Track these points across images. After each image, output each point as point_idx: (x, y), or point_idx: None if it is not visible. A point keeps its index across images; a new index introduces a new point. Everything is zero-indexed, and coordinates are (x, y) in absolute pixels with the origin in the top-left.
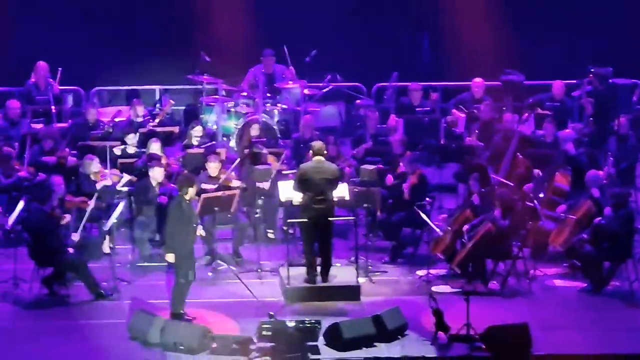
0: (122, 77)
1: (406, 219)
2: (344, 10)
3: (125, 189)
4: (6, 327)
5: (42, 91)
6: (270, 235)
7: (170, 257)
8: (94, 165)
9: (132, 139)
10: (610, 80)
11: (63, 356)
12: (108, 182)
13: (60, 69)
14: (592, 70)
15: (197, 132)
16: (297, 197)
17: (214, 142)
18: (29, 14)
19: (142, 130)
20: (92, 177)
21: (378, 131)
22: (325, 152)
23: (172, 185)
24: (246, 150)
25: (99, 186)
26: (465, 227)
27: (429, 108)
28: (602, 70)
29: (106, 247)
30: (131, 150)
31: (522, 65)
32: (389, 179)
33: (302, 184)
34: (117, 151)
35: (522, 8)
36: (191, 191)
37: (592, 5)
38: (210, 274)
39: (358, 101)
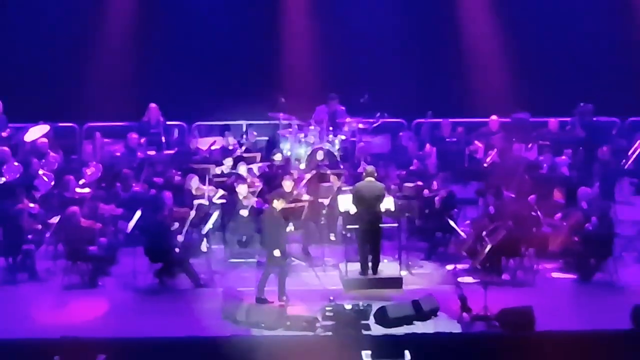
0: (216, 114)
1: (438, 225)
2: (390, 62)
3: (220, 201)
4: (128, 307)
5: (154, 125)
6: (332, 238)
7: (277, 252)
8: (194, 182)
9: (228, 162)
10: (595, 118)
11: (170, 330)
12: (205, 202)
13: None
14: (580, 108)
15: (277, 157)
16: (353, 209)
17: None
18: (145, 61)
19: (233, 156)
20: (193, 192)
21: (417, 157)
22: (375, 174)
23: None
24: (313, 172)
25: (197, 201)
26: (484, 232)
27: (455, 139)
28: (587, 107)
29: (204, 247)
30: (225, 170)
31: (528, 105)
32: (425, 194)
33: (357, 198)
34: (217, 171)
35: (528, 59)
36: (280, 203)
37: (582, 58)
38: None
39: (401, 133)
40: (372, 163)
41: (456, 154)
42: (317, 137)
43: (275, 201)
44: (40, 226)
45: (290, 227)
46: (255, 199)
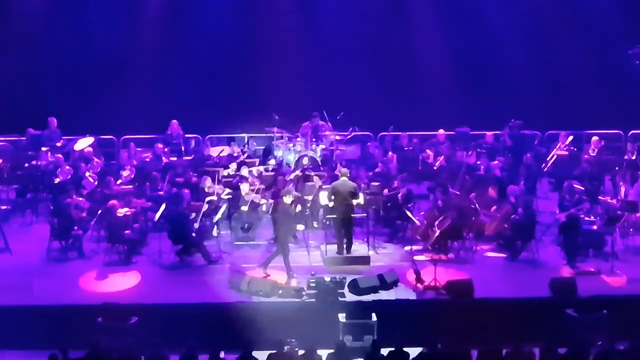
0: (224, 129)
1: (398, 215)
2: (360, 87)
3: (227, 196)
4: (155, 279)
5: (175, 137)
6: (315, 225)
7: (301, 227)
8: (207, 182)
9: (233, 166)
10: (522, 131)
11: (188, 297)
12: (215, 197)
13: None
14: (510, 123)
15: (271, 162)
16: (331, 202)
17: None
18: (168, 87)
19: (237, 161)
20: (206, 190)
21: (381, 162)
22: (348, 174)
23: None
24: (300, 174)
25: (209, 197)
26: (435, 221)
27: (412, 148)
28: (516, 123)
29: (215, 232)
30: (231, 172)
31: (468, 121)
32: (385, 193)
33: (334, 194)
34: (225, 173)
35: (469, 84)
36: (289, 198)
37: (512, 84)
38: None
39: (369, 143)
40: (346, 166)
41: (412, 160)
42: (303, 146)
43: (285, 197)
44: (85, 214)
45: (301, 226)
46: (255, 195)
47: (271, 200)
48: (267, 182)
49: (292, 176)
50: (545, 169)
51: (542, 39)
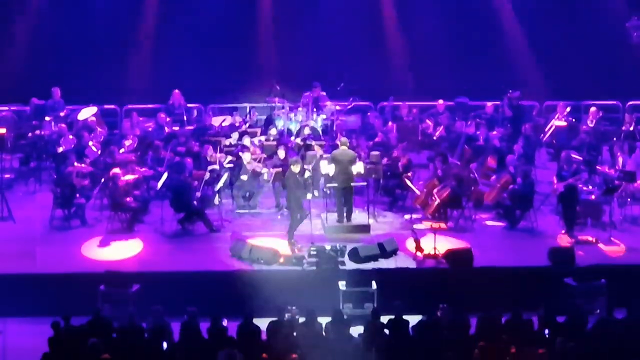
0: (226, 98)
1: (398, 184)
2: (360, 58)
3: (228, 165)
4: (157, 247)
5: (177, 107)
6: (316, 194)
7: (309, 196)
8: (209, 151)
9: (235, 135)
10: (520, 102)
11: (190, 265)
12: (217, 166)
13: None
14: (508, 93)
15: (272, 132)
16: (331, 171)
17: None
18: (171, 57)
19: (239, 131)
20: (208, 159)
21: (381, 131)
22: (348, 143)
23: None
24: (301, 143)
25: (211, 166)
26: (435, 190)
27: (411, 118)
28: (515, 93)
29: (216, 201)
30: (233, 142)
31: (468, 91)
32: (384, 162)
33: (334, 162)
34: (227, 142)
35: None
36: (297, 167)
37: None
38: (279, 217)
39: (369, 113)
40: (346, 136)
41: (412, 129)
42: (304, 116)
43: (293, 165)
44: (86, 182)
45: (309, 195)
46: (256, 164)
47: (272, 170)
48: (268, 152)
49: (293, 145)
50: (544, 139)
51: (541, 10)
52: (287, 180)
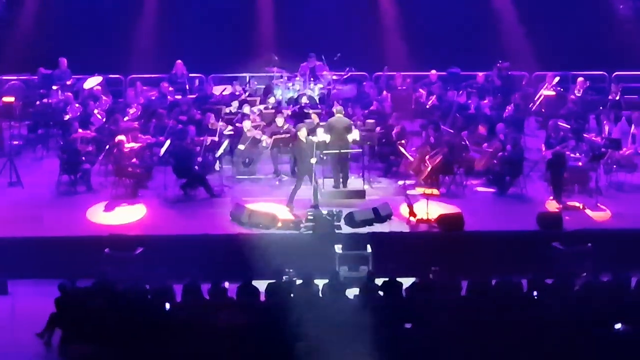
0: (227, 68)
1: (392, 151)
2: (358, 29)
3: (229, 133)
4: (160, 212)
5: (179, 76)
6: (312, 161)
7: (314, 160)
8: (211, 119)
9: (235, 104)
10: (510, 72)
11: (191, 229)
12: (216, 138)
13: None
14: (498, 64)
15: (271, 100)
16: (327, 138)
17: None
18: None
19: (239, 99)
20: (210, 126)
21: (376, 100)
22: (343, 111)
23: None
24: (299, 111)
25: (212, 133)
26: (426, 156)
27: (405, 87)
28: (504, 64)
29: (217, 167)
30: (233, 110)
31: (459, 62)
32: (379, 129)
33: (330, 129)
34: (227, 110)
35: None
36: (303, 132)
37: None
38: (277, 182)
39: (365, 83)
40: (342, 105)
41: (406, 98)
42: (301, 85)
43: (299, 131)
44: (91, 148)
45: (314, 160)
46: (256, 131)
47: (271, 137)
48: (267, 120)
49: (289, 112)
50: (533, 109)
51: None
52: (297, 147)
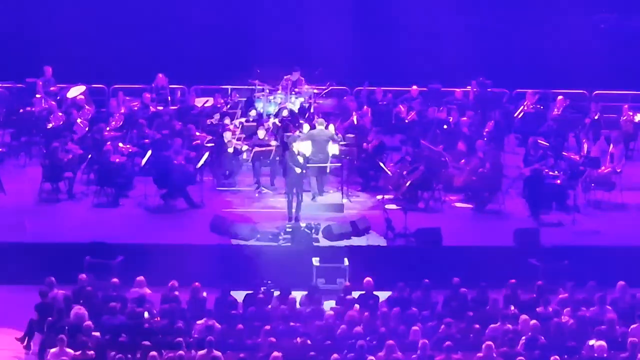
0: (209, 80)
1: (371, 165)
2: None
3: (210, 144)
4: (140, 221)
5: (161, 88)
6: (297, 170)
7: (298, 170)
8: (192, 131)
9: (217, 116)
10: (490, 89)
11: (171, 238)
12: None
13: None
14: (478, 80)
15: (252, 113)
16: (308, 150)
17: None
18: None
19: (220, 111)
20: (191, 138)
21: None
22: (325, 123)
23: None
24: (279, 124)
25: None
26: (405, 171)
27: (385, 102)
28: (484, 81)
29: (198, 178)
30: (214, 122)
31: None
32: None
33: (311, 141)
34: (208, 122)
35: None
36: (295, 145)
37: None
38: (257, 194)
39: (345, 97)
40: (323, 119)
41: (386, 113)
42: (283, 99)
43: (293, 142)
44: (71, 156)
45: (299, 170)
46: (237, 142)
47: (252, 149)
48: (248, 132)
49: (270, 124)
50: (513, 125)
51: (513, 1)
52: (288, 158)
